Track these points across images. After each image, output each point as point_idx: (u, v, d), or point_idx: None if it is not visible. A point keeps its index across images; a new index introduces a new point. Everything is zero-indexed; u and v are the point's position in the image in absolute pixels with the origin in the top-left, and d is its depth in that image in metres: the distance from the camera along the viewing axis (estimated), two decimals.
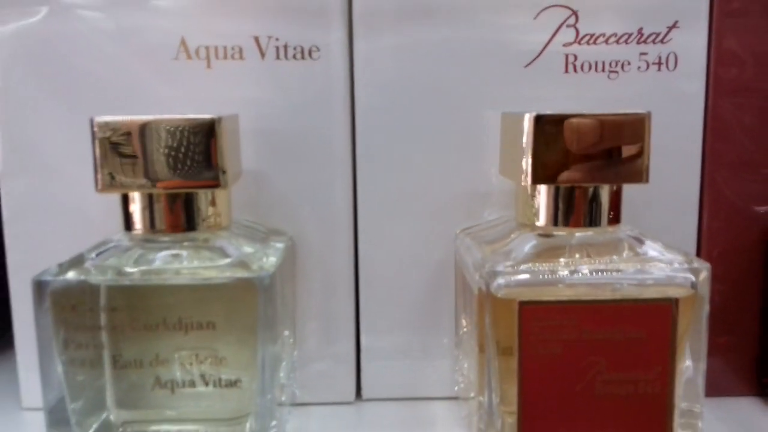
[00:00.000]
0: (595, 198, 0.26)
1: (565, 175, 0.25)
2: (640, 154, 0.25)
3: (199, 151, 0.24)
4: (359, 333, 0.33)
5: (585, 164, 0.25)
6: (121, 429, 0.27)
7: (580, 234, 0.26)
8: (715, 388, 0.33)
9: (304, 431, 0.30)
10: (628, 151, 0.25)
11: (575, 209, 0.26)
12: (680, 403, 0.25)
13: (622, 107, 0.30)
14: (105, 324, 0.24)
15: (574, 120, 0.25)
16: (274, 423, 0.25)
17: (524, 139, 0.25)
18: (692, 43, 0.31)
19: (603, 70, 0.31)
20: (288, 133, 0.31)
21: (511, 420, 0.25)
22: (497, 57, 0.31)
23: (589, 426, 0.24)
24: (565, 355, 0.24)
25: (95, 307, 0.24)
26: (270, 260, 0.25)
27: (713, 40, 0.31)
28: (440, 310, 0.32)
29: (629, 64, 0.31)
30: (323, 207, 0.32)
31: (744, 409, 0.32)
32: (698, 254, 0.32)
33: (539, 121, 0.25)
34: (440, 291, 0.32)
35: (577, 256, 0.26)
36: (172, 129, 0.24)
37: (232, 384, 0.24)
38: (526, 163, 0.25)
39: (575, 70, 0.31)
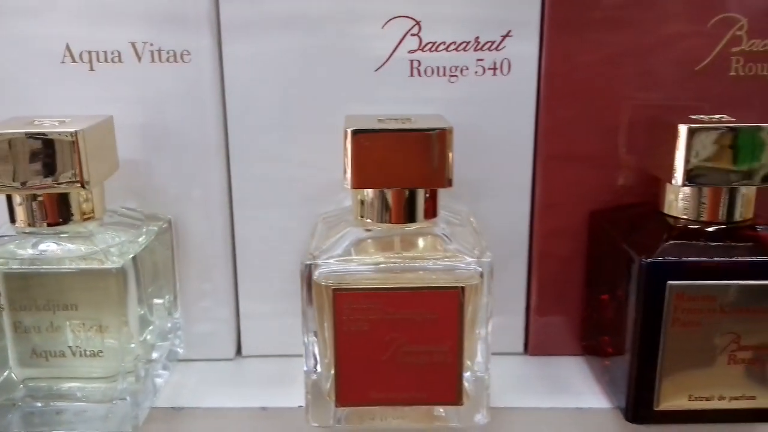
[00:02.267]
0: (411, 199, 0.30)
1: (379, 181, 0.30)
2: (444, 162, 0.30)
3: (63, 159, 0.29)
4: (238, 300, 0.38)
5: (397, 171, 0.29)
6: (21, 385, 0.32)
7: (399, 229, 0.31)
8: (544, 348, 0.39)
9: (185, 384, 0.36)
10: (433, 159, 0.29)
11: (394, 208, 0.31)
12: (473, 365, 0.30)
13: (461, 108, 0.35)
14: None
15: (386, 134, 0.29)
16: (134, 379, 0.30)
17: (345, 150, 0.30)
18: (524, 51, 0.34)
19: (444, 74, 0.35)
20: (167, 128, 0.35)
21: None
22: (350, 62, 0.34)
23: (395, 387, 0.30)
24: (372, 332, 0.29)
25: None
26: (132, 247, 0.30)
27: (544, 48, 0.35)
28: None
29: (467, 69, 0.35)
30: (202, 194, 0.36)
31: (566, 366, 0.38)
32: (531, 234, 0.37)
33: (356, 134, 0.29)
34: None
35: (394, 248, 0.30)
36: (38, 140, 0.28)
37: (95, 354, 0.29)
38: (348, 170, 0.30)
39: (419, 74, 0.35)
